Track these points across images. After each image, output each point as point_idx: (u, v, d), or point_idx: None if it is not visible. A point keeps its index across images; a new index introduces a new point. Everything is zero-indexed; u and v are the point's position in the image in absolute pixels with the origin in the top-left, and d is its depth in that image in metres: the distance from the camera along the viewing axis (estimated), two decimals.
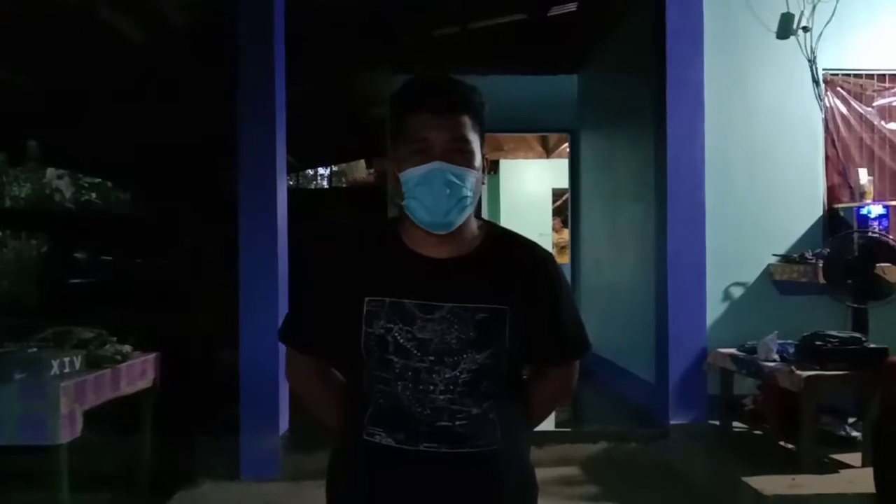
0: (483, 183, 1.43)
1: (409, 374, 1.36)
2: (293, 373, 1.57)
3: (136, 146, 8.23)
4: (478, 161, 1.39)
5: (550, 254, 1.52)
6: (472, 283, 1.39)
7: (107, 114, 7.06)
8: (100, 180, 13.63)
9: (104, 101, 6.78)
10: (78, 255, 8.26)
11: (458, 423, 1.37)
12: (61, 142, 8.01)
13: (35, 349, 3.39)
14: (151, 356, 3.96)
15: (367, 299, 1.39)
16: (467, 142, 1.37)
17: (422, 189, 1.34)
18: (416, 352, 1.36)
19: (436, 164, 1.34)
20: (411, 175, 1.35)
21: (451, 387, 1.36)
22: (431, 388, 1.36)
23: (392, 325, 1.37)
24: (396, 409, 1.37)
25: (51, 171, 13.73)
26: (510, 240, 1.50)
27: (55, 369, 3.18)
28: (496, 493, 1.40)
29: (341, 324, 1.41)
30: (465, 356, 1.36)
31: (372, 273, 1.41)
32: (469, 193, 1.36)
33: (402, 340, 1.37)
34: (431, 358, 1.36)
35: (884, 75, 4.88)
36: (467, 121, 1.37)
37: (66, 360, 3.26)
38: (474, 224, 1.45)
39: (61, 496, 3.09)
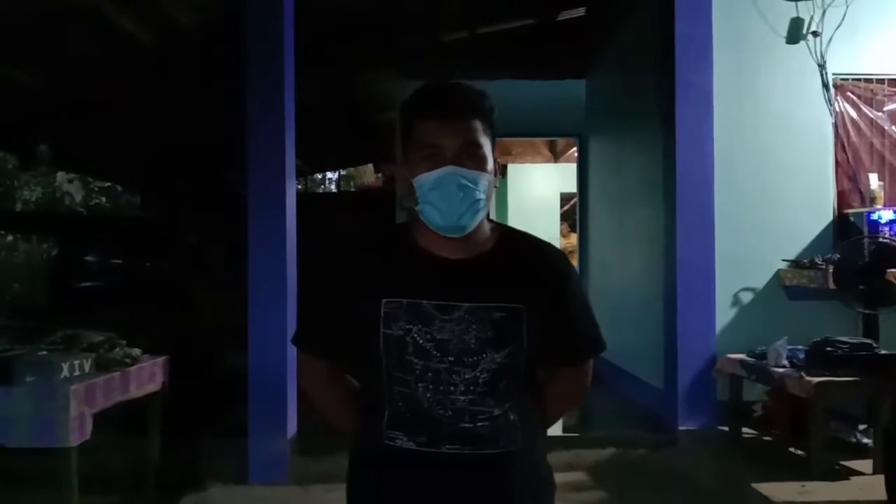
0: (496, 186, 1.44)
1: (430, 375, 1.37)
2: (307, 378, 1.56)
3: (146, 149, 8.27)
4: (490, 164, 1.40)
5: (564, 253, 1.53)
6: (489, 282, 1.40)
7: (117, 117, 7.10)
8: (109, 184, 13.71)
9: (114, 105, 6.82)
10: (88, 258, 8.29)
11: (479, 424, 1.37)
12: (72, 145, 8.06)
13: (45, 352, 3.40)
14: (160, 359, 3.97)
15: (384, 301, 1.39)
16: (479, 146, 1.38)
17: (435, 193, 1.36)
18: (435, 353, 1.36)
19: (448, 169, 1.35)
20: (425, 180, 1.36)
21: (472, 387, 1.37)
22: (452, 388, 1.36)
23: (411, 327, 1.37)
24: (417, 412, 1.37)
25: (61, 175, 13.81)
26: (523, 240, 1.51)
27: (65, 372, 3.19)
28: (518, 493, 1.40)
29: (357, 327, 1.41)
30: (484, 356, 1.37)
31: (388, 275, 1.42)
32: (482, 196, 1.37)
33: (421, 341, 1.37)
34: (451, 358, 1.36)
35: (894, 80, 4.86)
36: (478, 125, 1.38)
37: (76, 362, 3.28)
38: (486, 226, 1.46)
39: (71, 498, 3.10)
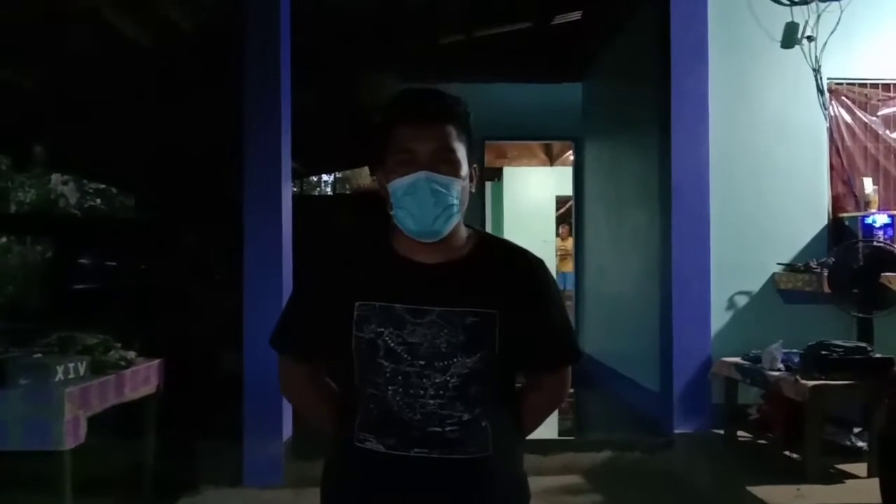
0: (472, 191, 1.44)
1: (400, 378, 1.37)
2: (285, 380, 1.57)
3: (142, 151, 8.26)
4: (464, 170, 1.40)
5: (541, 260, 1.53)
6: (462, 287, 1.41)
7: (112, 118, 7.08)
8: (104, 186, 13.67)
9: (110, 106, 6.80)
10: (82, 260, 8.26)
11: (448, 428, 1.38)
12: (67, 146, 8.04)
13: (39, 355, 3.39)
14: (155, 362, 3.96)
15: (357, 304, 1.40)
16: (452, 151, 1.39)
17: (408, 199, 1.37)
18: (406, 356, 1.37)
19: (421, 174, 1.36)
20: (398, 185, 1.38)
21: (442, 391, 1.37)
22: (422, 392, 1.37)
23: (382, 329, 1.38)
24: (387, 415, 1.38)
25: (56, 177, 13.77)
26: (500, 246, 1.52)
27: (59, 375, 3.18)
28: (487, 500, 1.40)
29: (332, 329, 1.42)
30: (455, 360, 1.37)
31: (362, 278, 1.43)
32: (455, 201, 1.38)
33: (392, 344, 1.38)
34: (422, 362, 1.37)
35: (888, 84, 4.88)
36: (452, 130, 1.39)
37: (71, 365, 3.26)
38: (463, 231, 1.47)
39: (65, 502, 3.08)
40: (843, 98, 4.84)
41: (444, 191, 1.36)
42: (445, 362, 1.37)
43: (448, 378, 1.37)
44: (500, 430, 1.43)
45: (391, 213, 1.41)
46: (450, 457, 1.37)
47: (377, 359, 1.38)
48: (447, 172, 1.37)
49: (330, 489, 1.48)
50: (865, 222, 4.54)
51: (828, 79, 4.81)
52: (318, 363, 1.53)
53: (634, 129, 5.76)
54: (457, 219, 1.40)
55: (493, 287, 1.42)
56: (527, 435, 1.57)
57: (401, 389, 1.37)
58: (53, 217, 12.66)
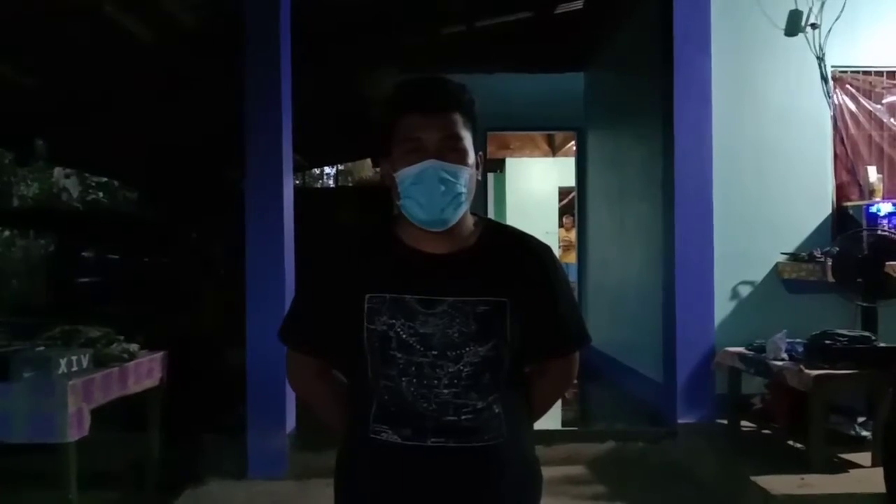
0: (478, 179, 1.44)
1: (413, 369, 1.38)
2: (293, 374, 1.57)
3: (144, 145, 8.25)
4: (471, 158, 1.41)
5: (548, 246, 1.53)
6: (472, 276, 1.41)
7: (114, 113, 7.08)
8: (107, 179, 13.68)
9: (112, 101, 6.80)
10: (85, 253, 8.28)
11: (463, 417, 1.38)
12: (69, 141, 8.04)
13: (43, 348, 3.40)
14: (158, 355, 3.97)
15: (367, 296, 1.40)
16: (459, 139, 1.39)
17: (417, 188, 1.36)
18: (418, 347, 1.37)
19: (429, 163, 1.36)
20: (406, 174, 1.37)
21: (455, 381, 1.38)
22: (436, 382, 1.37)
23: (394, 321, 1.38)
24: (402, 406, 1.38)
25: (58, 171, 13.78)
26: (507, 233, 1.52)
27: (63, 368, 3.19)
28: (504, 485, 1.41)
29: (342, 323, 1.42)
30: (467, 349, 1.38)
31: (371, 271, 1.43)
32: (463, 190, 1.38)
33: (404, 336, 1.38)
34: (434, 352, 1.37)
35: (893, 72, 4.84)
36: (458, 118, 1.39)
37: (74, 358, 3.28)
38: (470, 220, 1.47)
39: (70, 494, 3.10)
40: (848, 86, 4.81)
41: (452, 179, 1.36)
42: (458, 352, 1.37)
43: (461, 367, 1.37)
44: (513, 416, 1.44)
45: (398, 202, 1.40)
46: (466, 445, 1.38)
47: (390, 350, 1.38)
48: (455, 160, 1.37)
49: (346, 482, 1.48)
50: (870, 211, 4.52)
51: (832, 67, 4.78)
52: (327, 357, 1.52)
53: (637, 118, 5.74)
54: (465, 207, 1.41)
55: (503, 275, 1.42)
56: (537, 419, 1.58)
57: (415, 380, 1.37)
58: (56, 211, 12.68)
